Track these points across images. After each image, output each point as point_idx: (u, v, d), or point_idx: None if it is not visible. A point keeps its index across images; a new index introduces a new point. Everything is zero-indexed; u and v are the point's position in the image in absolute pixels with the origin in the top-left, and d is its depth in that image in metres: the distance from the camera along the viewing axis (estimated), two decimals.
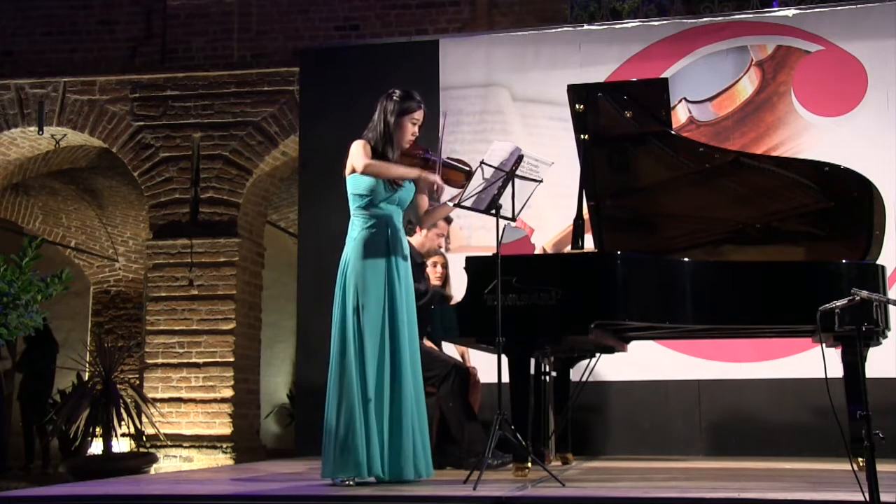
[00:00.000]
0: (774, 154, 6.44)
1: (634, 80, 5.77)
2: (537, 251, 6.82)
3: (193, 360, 8.44)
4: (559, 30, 7.25)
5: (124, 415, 7.74)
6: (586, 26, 7.21)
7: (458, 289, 5.13)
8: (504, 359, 4.16)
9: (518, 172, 4.20)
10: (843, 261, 4.57)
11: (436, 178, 4.03)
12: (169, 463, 8.24)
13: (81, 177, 10.69)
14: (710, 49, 6.88)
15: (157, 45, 8.92)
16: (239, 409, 8.50)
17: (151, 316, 8.57)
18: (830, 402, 3.35)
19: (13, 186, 10.48)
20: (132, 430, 7.95)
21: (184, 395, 8.42)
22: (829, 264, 4.56)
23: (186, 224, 8.59)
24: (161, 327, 8.52)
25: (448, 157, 4.15)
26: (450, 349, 5.61)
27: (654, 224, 5.10)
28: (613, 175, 4.99)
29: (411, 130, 4.12)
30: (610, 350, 5.22)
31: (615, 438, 6.65)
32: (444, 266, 5.64)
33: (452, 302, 5.26)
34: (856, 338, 4.15)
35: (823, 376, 3.37)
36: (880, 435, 2.96)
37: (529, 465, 4.23)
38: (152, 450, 8.03)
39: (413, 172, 4.04)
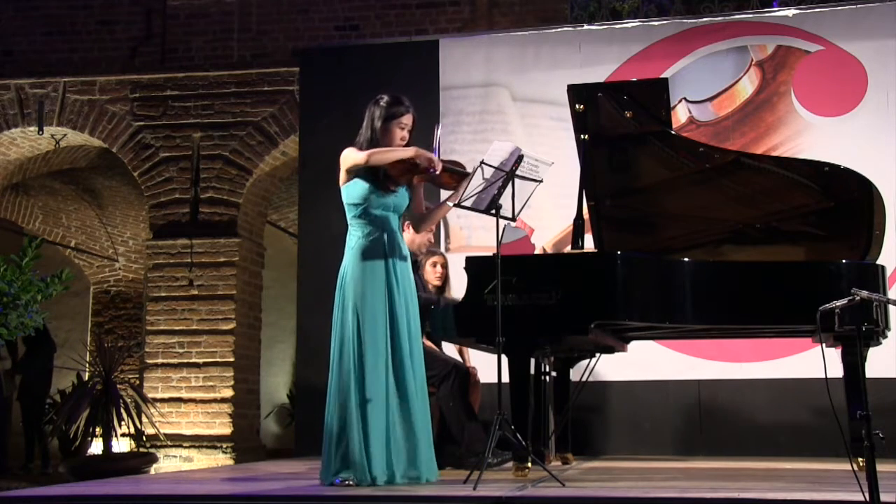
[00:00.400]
0: (774, 154, 6.44)
1: (634, 80, 5.77)
2: (537, 251, 6.82)
3: (193, 360, 8.44)
4: (559, 30, 7.25)
5: (124, 415, 7.74)
6: (586, 26, 7.21)
7: (458, 289, 5.13)
8: (504, 359, 4.16)
9: (518, 172, 4.20)
10: (843, 261, 4.57)
11: (431, 155, 4.04)
12: (169, 463, 8.24)
13: (81, 177, 10.69)
14: (710, 49, 6.88)
15: (157, 45, 8.92)
16: (239, 409, 8.50)
17: (151, 316, 8.57)
18: (830, 402, 3.35)
19: (13, 186, 10.48)
20: (132, 430, 7.95)
21: (184, 395, 8.43)
22: (829, 264, 4.56)
23: (186, 224, 8.59)
24: (161, 327, 8.52)
25: (441, 160, 4.12)
26: (450, 349, 5.61)
27: (654, 224, 5.10)
28: (613, 175, 4.99)
29: (399, 135, 4.12)
30: (610, 350, 5.21)
31: (615, 438, 6.65)
32: (444, 266, 5.63)
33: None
34: (856, 338, 4.16)
35: (823, 376, 3.38)
36: (880, 435, 2.96)
37: (529, 465, 4.22)
38: (152, 450, 8.04)
39: (409, 151, 4.04)
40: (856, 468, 3.68)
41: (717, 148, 5.15)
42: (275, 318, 10.42)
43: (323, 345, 4.36)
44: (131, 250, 11.71)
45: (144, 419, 7.97)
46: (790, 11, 6.85)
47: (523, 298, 4.27)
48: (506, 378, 4.18)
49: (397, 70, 7.25)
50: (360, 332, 3.96)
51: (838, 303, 3.20)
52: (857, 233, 4.71)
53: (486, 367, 5.18)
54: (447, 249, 6.85)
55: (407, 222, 4.65)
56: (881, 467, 3.00)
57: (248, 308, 8.75)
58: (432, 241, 5.63)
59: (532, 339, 4.35)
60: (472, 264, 4.44)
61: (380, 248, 4.05)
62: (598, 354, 5.24)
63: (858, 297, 3.12)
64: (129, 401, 7.97)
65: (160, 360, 8.48)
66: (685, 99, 6.85)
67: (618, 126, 4.86)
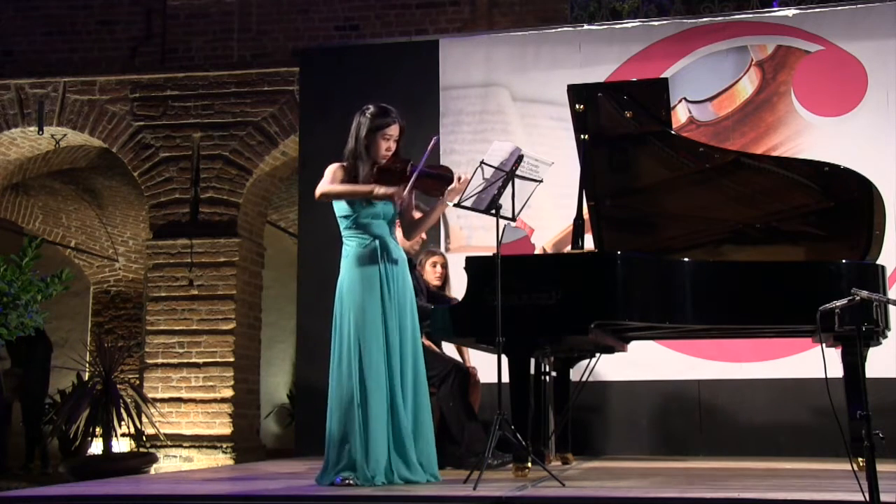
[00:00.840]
0: (774, 154, 6.44)
1: (634, 80, 5.77)
2: (537, 251, 6.82)
3: (193, 360, 8.44)
4: (559, 30, 7.25)
5: (124, 415, 7.74)
6: (586, 26, 7.21)
7: (459, 289, 5.13)
8: (504, 359, 4.17)
9: (518, 172, 4.20)
10: (843, 261, 4.57)
11: (391, 191, 3.98)
12: (169, 463, 8.24)
13: (81, 177, 10.69)
14: (710, 49, 6.88)
15: (157, 45, 8.91)
16: (239, 409, 8.50)
17: (151, 316, 8.57)
18: (830, 402, 3.35)
19: (13, 186, 10.47)
20: (132, 430, 7.95)
21: (184, 395, 8.42)
22: (829, 264, 4.56)
23: (186, 224, 8.59)
24: (161, 327, 8.52)
25: (428, 167, 4.09)
26: (450, 349, 5.61)
27: (654, 224, 5.10)
28: (613, 175, 4.99)
29: (385, 146, 4.10)
30: (610, 350, 5.22)
31: (615, 438, 6.65)
32: (444, 266, 5.64)
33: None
34: (856, 338, 4.16)
35: (823, 376, 3.38)
36: (880, 435, 2.96)
37: (529, 465, 4.23)
38: (152, 450, 8.03)
39: (365, 189, 4.02)
40: (856, 468, 3.68)
41: (717, 148, 5.15)
42: (275, 318, 10.42)
43: (323, 345, 4.37)
44: (131, 250, 11.70)
45: (144, 419, 7.97)
46: (790, 11, 6.85)
47: (523, 298, 4.27)
48: (506, 378, 4.18)
49: (397, 70, 7.26)
50: (358, 338, 3.99)
51: (838, 303, 3.20)
52: (857, 233, 4.71)
53: (486, 367, 5.18)
54: (447, 249, 6.85)
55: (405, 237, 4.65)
56: (881, 467, 3.00)
57: (248, 308, 8.75)
58: (425, 237, 5.62)
59: (532, 339, 4.35)
60: (472, 264, 4.44)
61: (373, 255, 4.08)
62: (598, 354, 5.25)
63: (858, 297, 3.12)
64: (129, 401, 7.97)
65: (160, 360, 8.47)
66: (685, 99, 6.85)
67: (618, 126, 4.87)
